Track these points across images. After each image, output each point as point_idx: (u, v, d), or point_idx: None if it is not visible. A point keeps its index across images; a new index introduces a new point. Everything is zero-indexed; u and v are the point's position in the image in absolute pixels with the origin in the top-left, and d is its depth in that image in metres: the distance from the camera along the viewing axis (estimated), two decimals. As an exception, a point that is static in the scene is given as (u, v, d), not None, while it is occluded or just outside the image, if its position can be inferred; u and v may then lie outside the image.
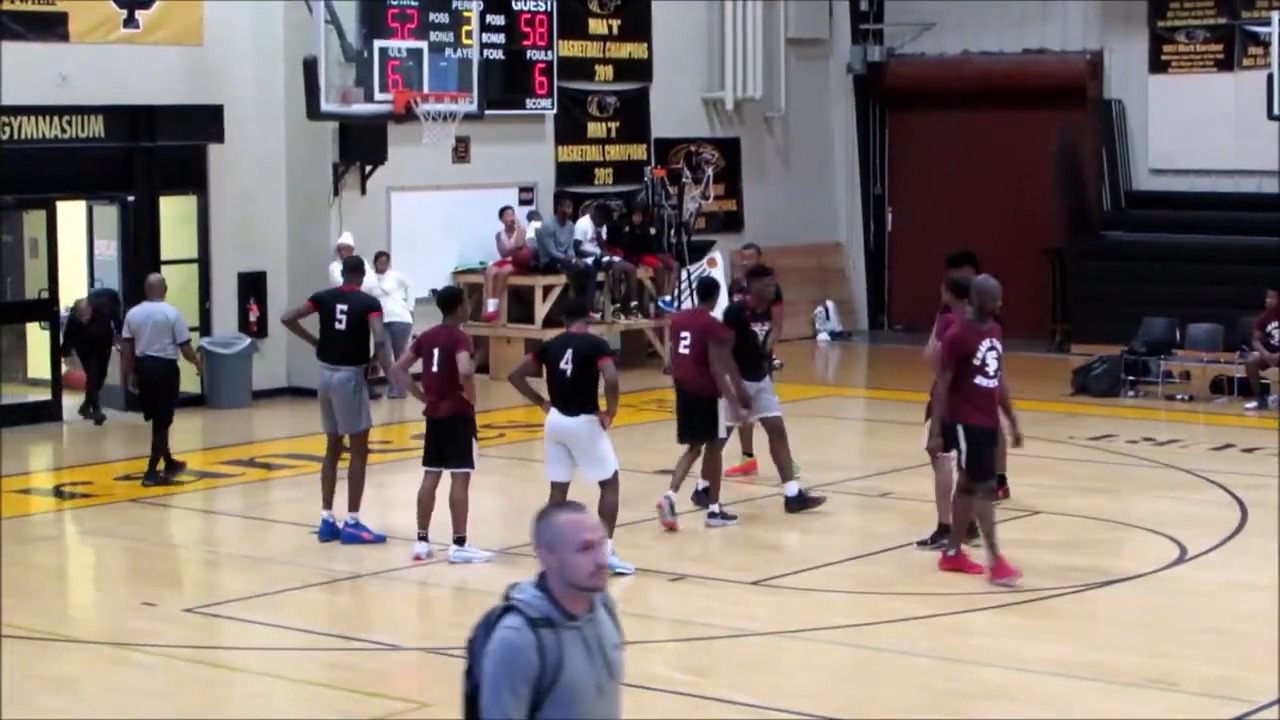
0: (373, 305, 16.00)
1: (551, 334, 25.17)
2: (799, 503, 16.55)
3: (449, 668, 12.11)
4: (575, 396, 14.23)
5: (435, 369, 14.73)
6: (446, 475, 14.88)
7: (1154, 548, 15.44)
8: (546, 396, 14.46)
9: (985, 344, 13.94)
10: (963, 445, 13.94)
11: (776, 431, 16.63)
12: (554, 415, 14.30)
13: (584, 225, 26.40)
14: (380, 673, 12.24)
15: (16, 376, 22.73)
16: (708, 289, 16.87)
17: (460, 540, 14.79)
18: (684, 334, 16.26)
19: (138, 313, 18.37)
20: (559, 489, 14.40)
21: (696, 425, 16.28)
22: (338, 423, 15.67)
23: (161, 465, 18.10)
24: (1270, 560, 14.73)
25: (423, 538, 14.96)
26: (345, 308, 15.63)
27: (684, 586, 14.24)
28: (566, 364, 14.21)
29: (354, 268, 16.31)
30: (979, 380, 13.91)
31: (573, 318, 14.73)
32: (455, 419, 14.76)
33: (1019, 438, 14.62)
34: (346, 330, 15.59)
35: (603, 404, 14.33)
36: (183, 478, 18.17)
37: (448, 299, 15.21)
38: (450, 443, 14.79)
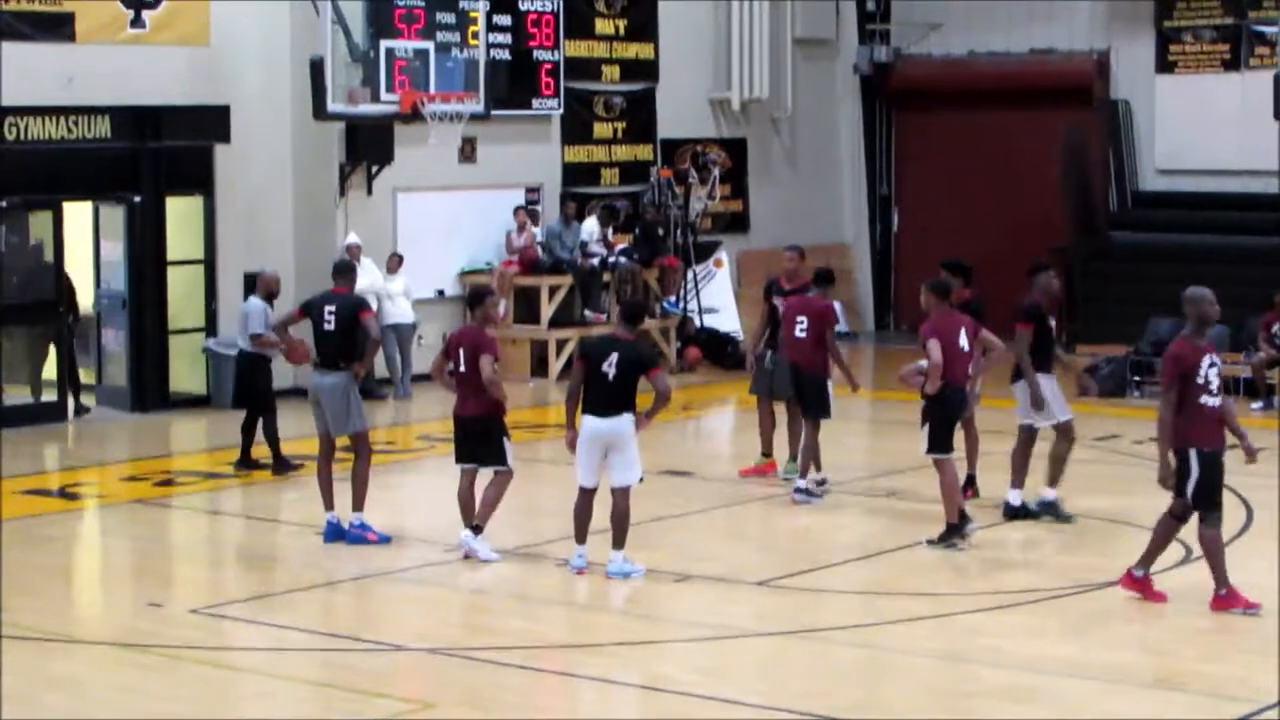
0: (362, 304, 15.92)
1: (559, 335, 25.37)
2: (1017, 513, 16.41)
3: (454, 669, 12.14)
4: (616, 400, 14.19)
5: (463, 369, 14.77)
6: (482, 473, 14.89)
7: (1160, 548, 15.43)
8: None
9: (1206, 360, 13.03)
10: (1195, 472, 13.00)
11: (1066, 434, 16.47)
12: (592, 420, 14.24)
13: (590, 226, 26.40)
14: (385, 673, 12.23)
15: (22, 378, 22.71)
16: (824, 277, 17.76)
17: (477, 529, 14.79)
18: (800, 318, 17.23)
19: (244, 306, 19.22)
20: (586, 494, 14.42)
21: (807, 401, 17.23)
22: (329, 425, 15.69)
23: (271, 456, 18.68)
24: (1275, 560, 14.71)
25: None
26: (333, 309, 15.60)
27: (690, 586, 14.24)
28: (610, 367, 14.16)
29: (341, 270, 16.22)
30: (1204, 400, 12.99)
31: (627, 323, 14.68)
32: (482, 418, 14.77)
33: (1251, 451, 13.58)
34: (335, 331, 15.54)
35: (641, 403, 14.28)
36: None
37: (470, 298, 15.24)
38: (482, 443, 14.80)
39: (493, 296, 15.61)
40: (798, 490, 17.16)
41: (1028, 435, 16.47)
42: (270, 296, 18.99)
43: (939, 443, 15.41)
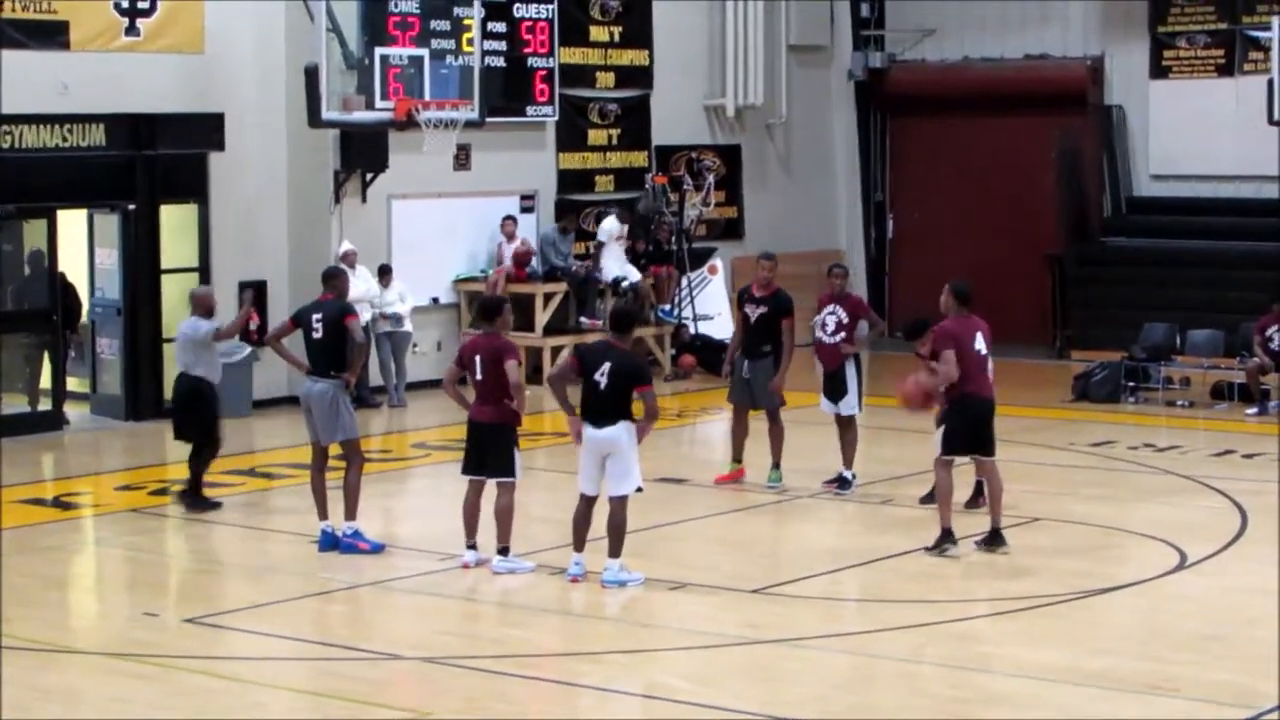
0: (347, 310, 15.87)
1: (554, 342, 25.36)
2: None
3: (449, 677, 12.14)
4: (607, 410, 14.16)
5: (480, 376, 14.68)
6: (489, 485, 14.83)
7: (1154, 554, 15.45)
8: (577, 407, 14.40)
9: None
10: None
11: None
12: (589, 429, 14.23)
13: (610, 225, 26.26)
14: (380, 682, 12.23)
15: (18, 387, 22.70)
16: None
17: (504, 550, 14.75)
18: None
19: (179, 327, 17.88)
20: (586, 501, 14.41)
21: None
22: (318, 433, 15.68)
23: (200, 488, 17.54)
24: (1271, 565, 14.74)
25: (471, 546, 14.91)
26: (320, 317, 15.61)
27: (685, 594, 14.24)
28: (601, 376, 14.15)
29: (328, 278, 16.17)
30: None
31: (616, 331, 14.62)
32: (499, 425, 14.69)
33: None
34: (323, 339, 15.56)
35: (637, 410, 14.25)
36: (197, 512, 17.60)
37: (486, 308, 15.18)
38: (493, 450, 14.71)
39: (508, 304, 15.54)
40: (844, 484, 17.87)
41: None
42: (209, 313, 17.71)
43: (950, 444, 15.33)
